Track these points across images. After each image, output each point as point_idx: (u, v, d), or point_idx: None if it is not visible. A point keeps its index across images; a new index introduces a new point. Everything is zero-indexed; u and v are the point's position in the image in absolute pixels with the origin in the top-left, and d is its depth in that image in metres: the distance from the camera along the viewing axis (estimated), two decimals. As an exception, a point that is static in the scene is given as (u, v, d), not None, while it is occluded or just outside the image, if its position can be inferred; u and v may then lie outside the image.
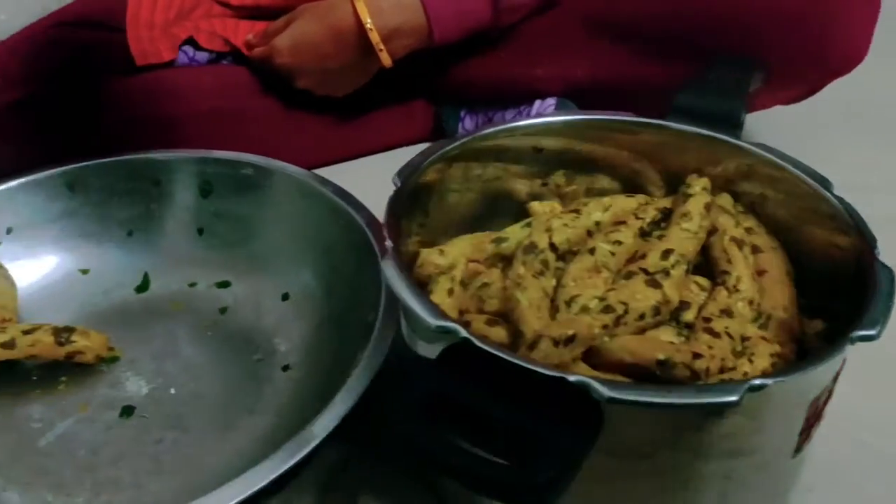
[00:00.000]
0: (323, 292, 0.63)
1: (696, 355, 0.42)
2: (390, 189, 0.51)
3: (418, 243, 0.54)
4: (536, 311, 0.46)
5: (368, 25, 0.75)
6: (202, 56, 0.83)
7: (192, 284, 0.68)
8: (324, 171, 0.70)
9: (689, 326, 0.47)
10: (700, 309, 0.48)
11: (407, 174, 0.50)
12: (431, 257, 0.52)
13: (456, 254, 0.53)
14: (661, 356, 0.42)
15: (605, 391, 0.35)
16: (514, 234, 0.54)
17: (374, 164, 0.89)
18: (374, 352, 0.49)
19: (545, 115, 0.64)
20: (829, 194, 0.50)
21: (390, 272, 0.42)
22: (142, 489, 0.52)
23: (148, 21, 0.78)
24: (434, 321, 0.39)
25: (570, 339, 0.42)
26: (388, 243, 0.44)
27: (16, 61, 0.74)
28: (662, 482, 0.42)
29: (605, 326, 0.44)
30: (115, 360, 0.61)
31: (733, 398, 0.35)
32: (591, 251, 0.50)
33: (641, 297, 0.46)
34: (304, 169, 0.67)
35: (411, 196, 0.51)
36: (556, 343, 0.42)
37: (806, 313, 0.50)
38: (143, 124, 0.75)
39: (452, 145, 0.54)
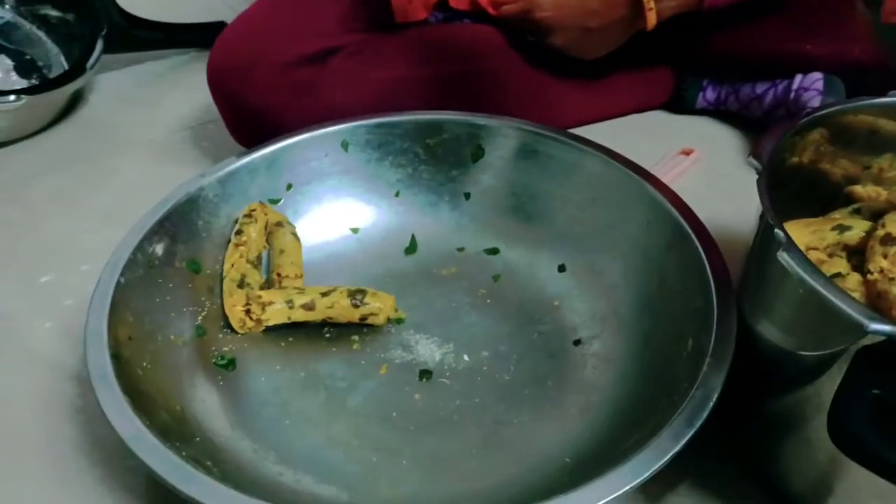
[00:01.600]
0: (612, 268, 0.62)
1: None
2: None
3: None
4: (921, 310, 0.43)
5: (641, -19, 0.71)
6: (438, 15, 0.81)
7: (461, 249, 0.67)
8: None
9: None
10: None
11: (766, 156, 0.48)
12: (772, 244, 0.50)
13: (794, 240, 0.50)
14: None
15: None
16: (855, 222, 0.51)
17: (603, 130, 0.86)
18: (719, 344, 0.48)
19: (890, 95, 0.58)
20: None
21: (800, 267, 0.40)
22: (466, 460, 0.52)
23: (406, -25, 0.76)
24: (871, 324, 0.36)
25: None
26: (781, 234, 0.42)
27: (325, 16, 0.74)
28: None
29: None
30: (399, 321, 0.61)
31: None
32: (961, 248, 0.47)
33: None
34: (585, 138, 0.65)
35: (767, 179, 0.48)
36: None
37: None
38: (413, 82, 0.74)
39: (801, 122, 0.51)
